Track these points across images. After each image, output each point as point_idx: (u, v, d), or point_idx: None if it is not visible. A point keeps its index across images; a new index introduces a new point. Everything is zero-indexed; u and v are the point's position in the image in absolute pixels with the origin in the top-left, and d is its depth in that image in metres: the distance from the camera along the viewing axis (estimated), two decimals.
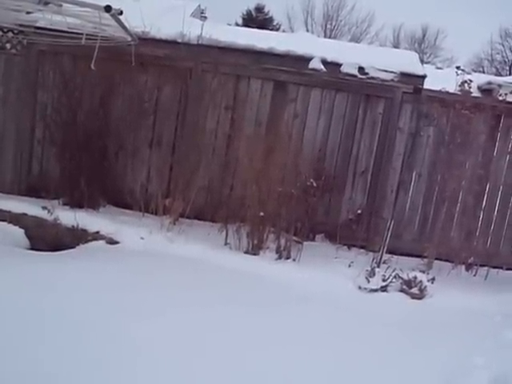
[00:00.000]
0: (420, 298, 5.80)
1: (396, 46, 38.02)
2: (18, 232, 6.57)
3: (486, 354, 4.44)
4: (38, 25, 7.01)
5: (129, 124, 7.27)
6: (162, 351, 3.85)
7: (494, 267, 6.88)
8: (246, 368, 3.83)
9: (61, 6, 5.66)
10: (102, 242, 6.40)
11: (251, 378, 3.72)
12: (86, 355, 3.66)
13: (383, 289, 5.85)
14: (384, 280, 5.88)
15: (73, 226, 6.49)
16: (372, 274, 5.93)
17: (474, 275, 6.82)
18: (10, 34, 7.59)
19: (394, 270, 5.94)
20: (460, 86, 6.88)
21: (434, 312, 5.49)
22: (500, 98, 7.41)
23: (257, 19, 34.39)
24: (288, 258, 6.41)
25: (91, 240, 6.43)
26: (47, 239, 6.37)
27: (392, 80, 7.17)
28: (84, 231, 6.49)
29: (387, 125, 7.23)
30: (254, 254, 6.43)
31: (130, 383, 3.49)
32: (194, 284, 5.28)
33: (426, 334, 4.89)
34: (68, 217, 6.54)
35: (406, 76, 7.17)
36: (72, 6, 5.56)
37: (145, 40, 7.01)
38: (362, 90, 7.23)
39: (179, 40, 7.14)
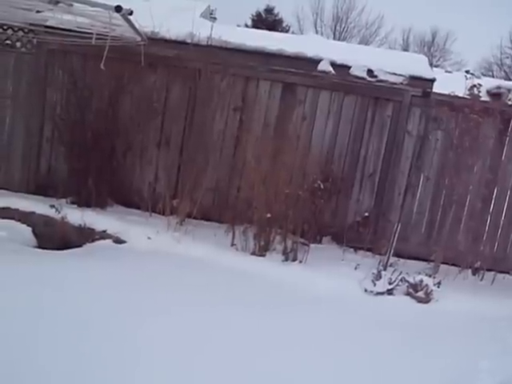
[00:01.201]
0: (426, 302, 5.78)
1: (405, 49, 37.85)
2: (26, 230, 6.61)
3: (492, 359, 4.43)
4: (47, 24, 7.04)
5: (137, 124, 7.30)
6: (164, 350, 3.87)
7: (501, 272, 6.86)
8: (249, 369, 3.83)
9: (71, 5, 5.69)
10: (109, 241, 6.43)
11: (253, 379, 3.73)
12: (86, 352, 3.68)
13: (389, 292, 5.84)
14: (390, 283, 5.86)
15: (80, 225, 6.52)
16: (378, 276, 5.92)
17: (481, 280, 6.79)
18: (21, 33, 7.64)
19: (400, 274, 5.92)
20: (469, 89, 6.84)
21: (440, 316, 5.47)
22: (509, 103, 7.34)
23: (266, 20, 34.30)
24: (294, 260, 6.40)
25: (98, 239, 6.47)
26: (55, 237, 6.39)
27: (401, 83, 7.15)
28: (91, 230, 6.52)
29: (395, 128, 7.22)
30: (261, 256, 6.43)
31: (129, 381, 3.50)
32: (200, 284, 5.29)
33: (432, 337, 4.88)
34: (75, 215, 6.56)
35: (415, 79, 7.16)
36: (82, 5, 5.58)
37: (154, 40, 7.05)
38: (371, 92, 7.23)
39: (188, 40, 7.14)
